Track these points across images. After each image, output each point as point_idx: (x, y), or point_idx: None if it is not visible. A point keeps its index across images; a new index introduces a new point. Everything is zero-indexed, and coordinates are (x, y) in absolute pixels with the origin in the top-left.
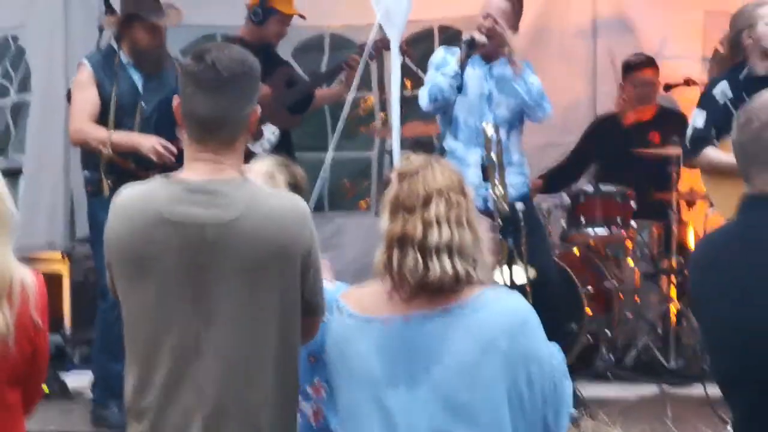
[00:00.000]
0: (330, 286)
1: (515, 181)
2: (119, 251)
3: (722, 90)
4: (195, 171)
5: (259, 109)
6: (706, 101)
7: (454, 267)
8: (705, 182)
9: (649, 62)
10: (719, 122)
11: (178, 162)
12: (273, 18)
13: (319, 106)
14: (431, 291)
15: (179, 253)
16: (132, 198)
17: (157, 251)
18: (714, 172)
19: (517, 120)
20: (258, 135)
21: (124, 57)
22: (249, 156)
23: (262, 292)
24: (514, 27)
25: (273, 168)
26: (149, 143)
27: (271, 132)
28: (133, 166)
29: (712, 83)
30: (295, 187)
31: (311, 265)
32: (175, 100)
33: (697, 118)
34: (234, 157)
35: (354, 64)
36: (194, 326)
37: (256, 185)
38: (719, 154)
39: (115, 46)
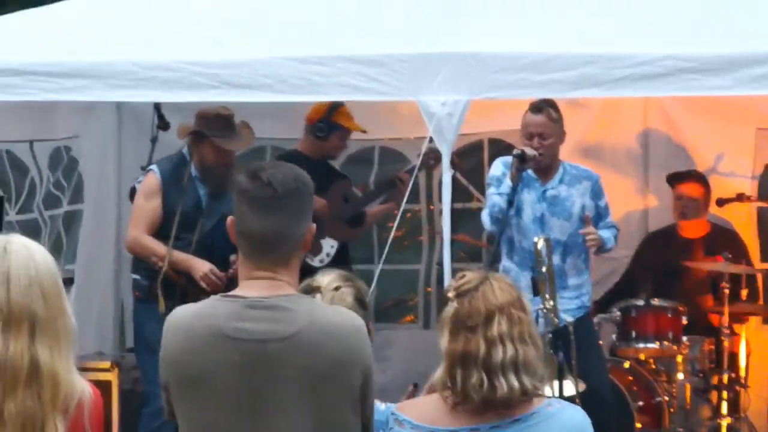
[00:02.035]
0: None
1: (569, 306)
2: (177, 370)
3: None
4: (251, 288)
5: (314, 226)
6: None
7: (521, 383)
8: None
9: (692, 176)
10: None
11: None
12: (336, 133)
13: (370, 224)
14: (498, 407)
15: (240, 370)
16: (188, 316)
17: (217, 368)
18: None
19: (574, 243)
20: (317, 249)
21: (193, 170)
22: (308, 270)
23: (323, 408)
24: (560, 134)
25: (340, 282)
26: (202, 270)
27: (329, 246)
28: (185, 283)
29: None
30: (360, 301)
31: (369, 382)
32: (229, 219)
33: None
34: (290, 274)
35: (404, 182)
36: None
37: (314, 300)
38: None
39: (187, 157)
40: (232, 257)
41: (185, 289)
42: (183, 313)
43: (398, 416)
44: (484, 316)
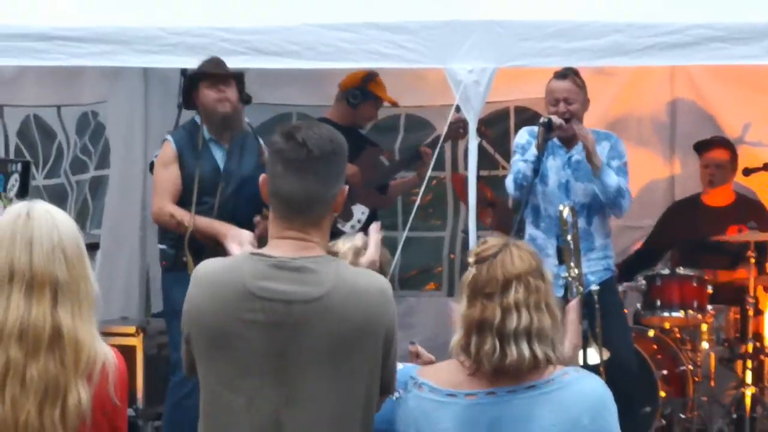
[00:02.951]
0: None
1: (595, 268)
2: (200, 324)
3: None
4: (280, 248)
5: (346, 188)
6: None
7: (532, 351)
8: None
9: (720, 143)
10: None
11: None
12: (369, 102)
13: (393, 197)
14: (510, 373)
15: (264, 329)
16: (215, 271)
17: (240, 325)
18: None
19: (597, 204)
20: (348, 215)
21: (206, 133)
22: (339, 236)
23: (346, 370)
24: (584, 100)
25: (358, 250)
26: (228, 234)
27: (360, 212)
28: (212, 244)
29: None
30: (378, 271)
31: (392, 345)
32: (262, 177)
33: None
34: (320, 235)
35: (428, 155)
36: (275, 404)
37: (340, 262)
38: None
39: (198, 122)
40: (256, 218)
41: (215, 249)
42: (210, 267)
43: (417, 379)
44: (501, 284)
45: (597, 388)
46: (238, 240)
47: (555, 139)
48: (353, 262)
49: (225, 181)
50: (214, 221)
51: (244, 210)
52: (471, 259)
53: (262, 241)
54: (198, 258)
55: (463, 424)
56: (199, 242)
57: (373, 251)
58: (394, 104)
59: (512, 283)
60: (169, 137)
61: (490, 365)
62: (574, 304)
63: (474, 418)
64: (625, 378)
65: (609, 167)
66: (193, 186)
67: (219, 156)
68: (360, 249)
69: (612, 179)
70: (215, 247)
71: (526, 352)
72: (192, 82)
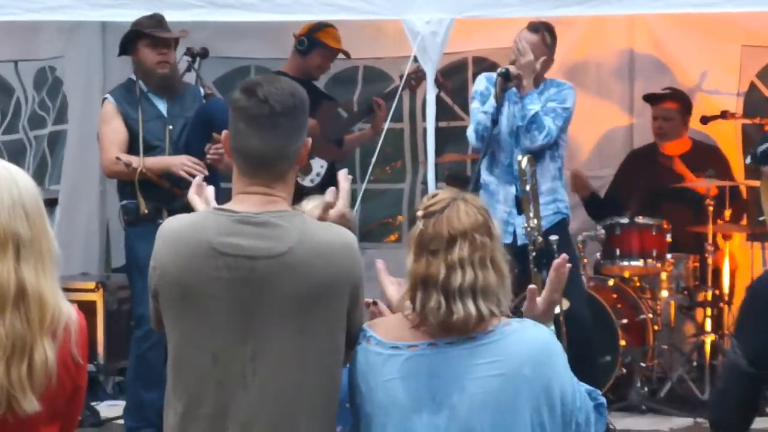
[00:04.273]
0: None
1: (544, 213)
2: (166, 280)
3: None
4: (245, 203)
5: (309, 141)
6: None
7: (477, 308)
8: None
9: (670, 95)
10: None
11: (211, 178)
12: (317, 50)
13: (349, 150)
14: (456, 329)
15: (228, 285)
16: (180, 227)
17: (205, 282)
18: None
19: (540, 149)
20: (307, 169)
21: (143, 86)
22: (298, 190)
23: (311, 326)
24: (547, 58)
25: (329, 205)
26: (179, 162)
27: (320, 166)
28: (168, 184)
29: None
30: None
31: (358, 300)
32: (224, 133)
33: None
34: (285, 189)
35: (381, 107)
36: (241, 359)
37: (305, 217)
38: None
39: (135, 77)
40: (207, 146)
41: (170, 191)
42: (176, 224)
43: (366, 332)
44: (446, 240)
45: (540, 337)
46: (180, 164)
47: (513, 89)
48: (322, 217)
49: (171, 124)
50: (163, 157)
51: (194, 151)
52: (419, 214)
53: (211, 170)
54: (151, 197)
55: (405, 375)
56: (153, 185)
57: (343, 203)
58: (347, 55)
59: (457, 239)
60: (107, 96)
61: (436, 320)
62: (559, 261)
63: (415, 368)
64: (578, 326)
65: (546, 107)
66: (139, 134)
67: (160, 104)
68: (331, 204)
69: (534, 104)
70: (171, 188)
71: (472, 309)
72: (134, 36)
